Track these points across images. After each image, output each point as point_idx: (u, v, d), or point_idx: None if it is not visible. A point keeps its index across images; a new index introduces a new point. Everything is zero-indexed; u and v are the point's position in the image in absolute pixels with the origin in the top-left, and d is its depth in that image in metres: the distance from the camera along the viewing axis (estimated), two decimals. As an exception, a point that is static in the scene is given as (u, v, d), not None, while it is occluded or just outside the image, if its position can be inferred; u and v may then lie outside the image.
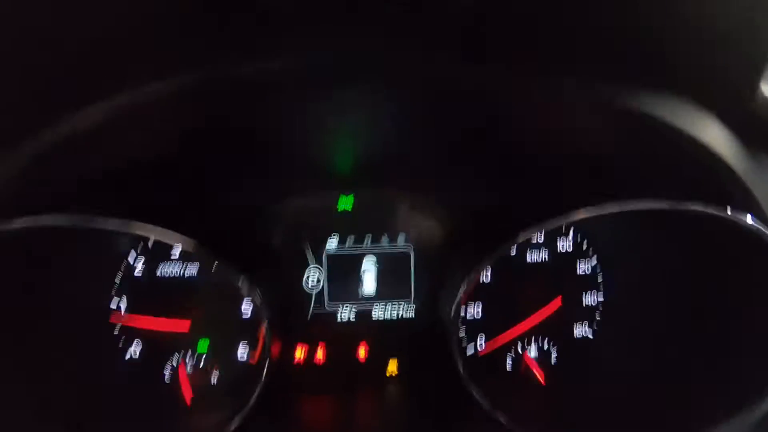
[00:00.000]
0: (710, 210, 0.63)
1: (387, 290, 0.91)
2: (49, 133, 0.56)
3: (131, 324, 0.86)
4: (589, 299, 0.91)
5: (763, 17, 0.49)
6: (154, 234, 0.67)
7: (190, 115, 0.61)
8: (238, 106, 0.60)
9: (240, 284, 0.70)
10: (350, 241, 0.90)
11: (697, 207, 0.63)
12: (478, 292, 0.85)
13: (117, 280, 0.85)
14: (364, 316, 0.92)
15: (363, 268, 0.91)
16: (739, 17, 0.49)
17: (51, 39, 0.49)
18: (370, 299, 0.92)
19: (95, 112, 0.55)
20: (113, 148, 0.63)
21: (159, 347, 0.87)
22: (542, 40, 0.52)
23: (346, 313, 0.92)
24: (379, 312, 0.92)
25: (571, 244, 0.89)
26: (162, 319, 0.84)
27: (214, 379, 0.88)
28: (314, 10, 0.48)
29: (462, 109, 0.64)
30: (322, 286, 0.91)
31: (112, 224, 0.64)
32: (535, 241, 0.88)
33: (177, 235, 0.67)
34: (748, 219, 0.62)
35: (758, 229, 0.62)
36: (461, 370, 0.74)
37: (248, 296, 0.72)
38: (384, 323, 0.92)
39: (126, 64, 0.52)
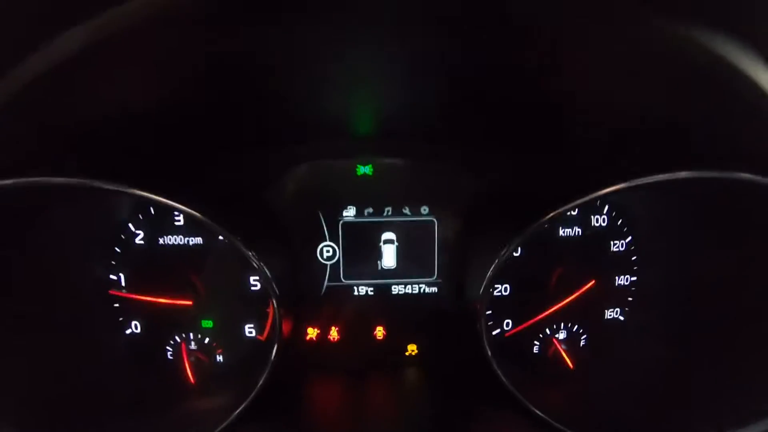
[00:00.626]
0: (758, 178, 0.59)
1: (408, 265, 0.88)
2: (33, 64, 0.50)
3: (132, 296, 0.83)
4: (622, 280, 0.87)
5: None
6: (154, 197, 0.63)
7: (203, 65, 0.56)
8: (251, 58, 0.55)
9: (247, 255, 0.67)
10: (369, 211, 0.86)
11: (745, 175, 0.59)
12: (506, 271, 0.82)
13: (117, 249, 0.82)
14: (383, 291, 0.89)
15: (383, 239, 0.87)
16: None
17: None
18: (390, 274, 0.89)
19: (91, 50, 0.48)
20: (113, 98, 0.58)
21: (161, 322, 0.84)
22: None
23: (363, 287, 0.89)
24: (399, 288, 0.89)
25: (606, 219, 0.85)
26: (164, 293, 0.81)
27: (220, 357, 0.86)
28: None
29: (497, 66, 0.59)
30: (338, 258, 0.87)
31: (110, 186, 0.60)
32: (569, 215, 0.84)
33: (177, 205, 0.64)
34: None
35: None
36: (488, 351, 0.71)
37: (256, 268, 0.68)
38: (404, 300, 0.89)
39: None
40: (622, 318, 0.89)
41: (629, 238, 0.86)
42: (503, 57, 0.57)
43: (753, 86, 0.51)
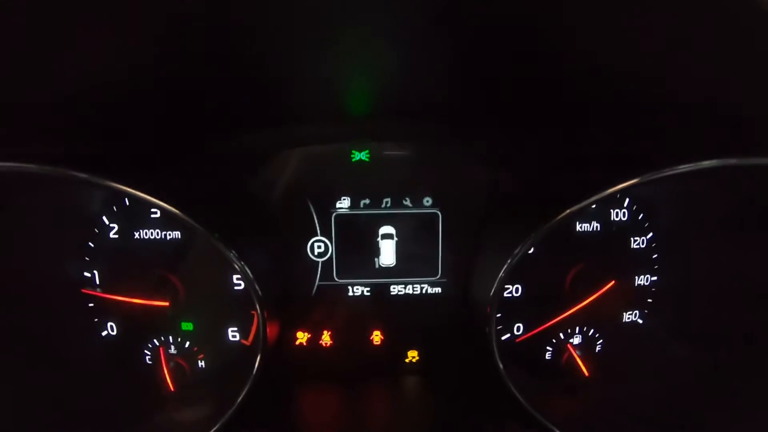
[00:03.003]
0: None
1: (409, 263, 0.85)
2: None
3: (106, 296, 0.80)
4: (641, 280, 0.84)
5: None
6: (125, 188, 0.60)
7: (178, 29, 0.52)
8: (229, 20, 0.51)
9: (226, 254, 0.64)
10: (365, 202, 0.82)
11: None
12: (518, 270, 0.77)
13: (91, 244, 0.79)
14: (380, 291, 0.86)
15: (380, 233, 0.84)
16: None
17: None
18: (388, 273, 0.86)
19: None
20: (83, 70, 0.55)
21: (139, 324, 0.82)
22: None
23: (358, 288, 0.86)
24: (398, 288, 0.86)
25: (626, 213, 0.81)
26: (140, 292, 0.79)
27: (202, 362, 0.82)
28: None
29: (507, 35, 0.54)
30: (330, 255, 0.84)
31: (78, 174, 0.58)
32: (588, 210, 0.80)
33: (149, 197, 0.61)
34: None
35: None
36: (497, 359, 0.69)
37: (237, 266, 0.66)
38: (404, 301, 0.87)
39: None
40: (641, 321, 0.86)
41: (650, 234, 0.82)
42: (517, 45, 0.55)
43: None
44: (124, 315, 0.82)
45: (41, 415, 0.69)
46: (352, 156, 0.81)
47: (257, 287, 0.66)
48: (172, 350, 0.82)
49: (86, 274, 0.80)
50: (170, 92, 0.64)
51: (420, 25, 0.53)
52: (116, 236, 0.79)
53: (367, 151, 0.81)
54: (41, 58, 0.50)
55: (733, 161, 0.59)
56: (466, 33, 0.55)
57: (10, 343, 0.71)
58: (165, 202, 0.62)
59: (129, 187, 0.61)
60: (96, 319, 0.82)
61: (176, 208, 0.62)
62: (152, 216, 0.79)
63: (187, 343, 0.83)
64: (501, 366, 0.70)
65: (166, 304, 0.78)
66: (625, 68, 0.61)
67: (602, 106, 0.69)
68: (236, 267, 0.68)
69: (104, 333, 0.82)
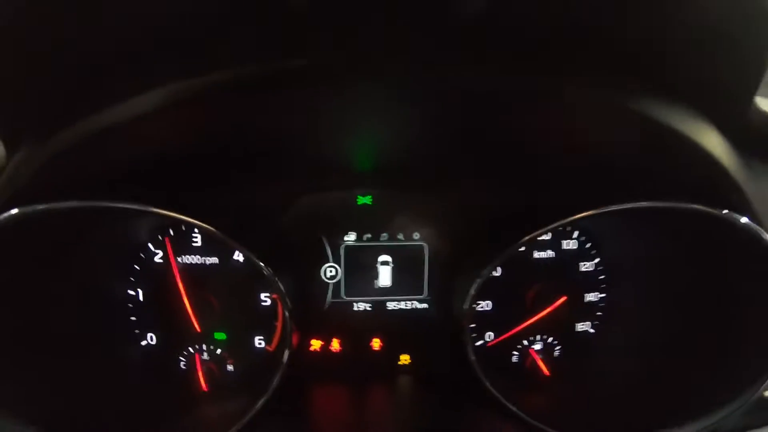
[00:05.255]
0: (708, 210, 0.66)
1: (402, 284, 0.93)
2: (80, 127, 0.58)
3: (148, 312, 0.88)
4: (591, 297, 0.95)
5: (754, 41, 0.52)
6: (183, 218, 0.68)
7: (215, 114, 0.62)
8: (262, 107, 0.62)
9: (264, 272, 0.72)
10: (367, 236, 0.92)
11: (697, 206, 0.67)
12: (487, 289, 0.87)
13: (137, 267, 0.87)
14: (379, 307, 0.94)
15: (380, 261, 0.92)
16: (732, 39, 0.52)
17: (83, 36, 0.50)
18: (386, 292, 0.93)
19: (124, 108, 0.57)
20: (139, 143, 0.65)
21: (176, 335, 0.88)
22: (545, 45, 0.54)
23: (362, 304, 0.94)
24: (393, 304, 0.94)
25: (576, 243, 0.92)
26: (180, 308, 0.85)
27: (231, 366, 0.91)
28: (335, 15, 0.50)
29: (473, 116, 0.67)
30: (340, 278, 0.93)
31: (133, 207, 0.67)
32: (542, 239, 0.91)
33: (200, 223, 0.69)
34: (744, 220, 0.66)
35: (753, 228, 0.65)
36: (473, 360, 0.78)
37: (270, 285, 0.72)
38: (398, 315, 0.94)
39: (153, 63, 0.54)
40: (592, 331, 0.96)
41: (597, 259, 0.93)
42: (486, 120, 0.67)
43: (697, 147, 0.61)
44: (164, 327, 0.88)
45: (89, 413, 0.74)
46: (358, 201, 0.90)
47: (288, 301, 0.73)
48: (205, 356, 0.89)
49: (131, 292, 0.87)
50: (215, 156, 0.73)
51: (409, 116, 0.67)
52: (160, 261, 0.86)
53: (369, 197, 0.90)
54: (122, 136, 0.59)
55: (664, 204, 0.68)
56: (445, 122, 0.68)
57: (64, 348, 0.76)
58: (215, 229, 0.70)
59: (189, 217, 0.68)
60: (137, 331, 0.88)
61: (224, 234, 0.70)
62: (193, 244, 0.86)
63: (219, 350, 0.89)
64: (476, 366, 0.77)
65: (204, 318, 0.86)
66: (571, 150, 0.73)
67: (553, 169, 0.81)
68: (268, 284, 0.74)
69: (144, 343, 0.88)
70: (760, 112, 0.64)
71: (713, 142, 0.63)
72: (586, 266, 0.93)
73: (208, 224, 0.69)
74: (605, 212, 0.69)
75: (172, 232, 0.86)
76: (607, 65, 0.55)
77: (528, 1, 0.48)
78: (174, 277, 0.85)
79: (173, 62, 0.54)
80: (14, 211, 0.61)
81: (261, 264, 0.71)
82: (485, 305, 0.91)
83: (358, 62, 0.55)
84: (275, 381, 0.74)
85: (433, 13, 0.49)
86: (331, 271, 0.93)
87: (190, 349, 0.89)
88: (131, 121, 0.56)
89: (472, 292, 0.76)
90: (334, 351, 0.94)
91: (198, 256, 0.87)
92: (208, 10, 0.49)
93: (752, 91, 0.60)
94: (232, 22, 0.50)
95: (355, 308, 0.94)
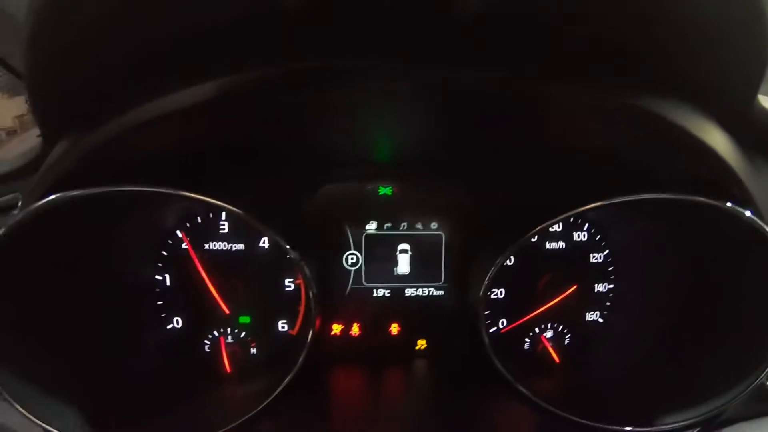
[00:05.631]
0: (713, 202, 0.68)
1: (420, 272, 0.96)
2: (117, 121, 0.59)
3: (175, 296, 0.90)
4: (600, 287, 0.96)
5: (755, 37, 0.53)
6: (208, 200, 0.69)
7: (248, 110, 0.65)
8: (290, 104, 0.64)
9: (291, 256, 0.74)
10: (387, 225, 0.94)
11: (701, 199, 0.69)
12: (501, 277, 0.90)
13: (165, 253, 0.89)
14: (398, 293, 0.96)
15: (399, 249, 0.95)
16: (734, 36, 0.53)
17: (142, 30, 0.52)
18: (404, 279, 0.96)
19: (163, 103, 0.58)
20: (176, 136, 0.67)
21: (202, 319, 0.90)
22: (550, 45, 0.55)
23: (381, 290, 0.96)
24: (411, 291, 0.97)
25: (586, 235, 0.95)
26: (206, 293, 0.87)
27: (254, 350, 0.94)
28: (354, 18, 0.51)
29: (486, 113, 0.68)
30: (360, 265, 0.96)
31: (168, 191, 0.68)
32: (554, 231, 0.94)
33: (231, 208, 0.71)
34: (747, 213, 0.68)
35: (755, 221, 0.68)
36: (487, 345, 0.80)
37: (296, 269, 0.74)
38: (416, 301, 0.97)
39: (192, 61, 0.56)
40: (601, 320, 0.98)
41: (607, 251, 0.96)
42: (498, 117, 0.69)
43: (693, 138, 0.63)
44: (190, 311, 0.90)
45: (118, 393, 0.76)
46: (379, 191, 0.94)
47: (313, 285, 0.75)
48: (230, 340, 0.91)
49: (158, 277, 0.89)
50: (246, 148, 0.76)
51: (429, 112, 0.69)
52: (186, 247, 0.87)
53: (390, 188, 0.93)
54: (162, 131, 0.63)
55: (669, 195, 0.69)
56: (458, 113, 0.70)
57: (92, 328, 0.78)
58: (259, 222, 0.71)
59: (222, 202, 0.69)
60: (163, 315, 0.90)
61: (256, 219, 0.71)
62: (220, 231, 0.88)
63: (243, 334, 0.91)
64: (490, 350, 0.79)
65: (229, 302, 0.87)
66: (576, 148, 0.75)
67: (565, 163, 0.82)
68: (293, 269, 0.76)
69: (169, 326, 0.91)
70: (761, 110, 0.66)
71: (717, 139, 0.65)
72: (595, 257, 0.96)
73: (239, 209, 0.71)
74: (613, 204, 0.71)
75: (199, 220, 0.89)
76: (612, 64, 0.57)
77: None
78: (200, 262, 0.87)
79: (209, 61, 0.57)
80: (53, 196, 0.62)
81: (288, 248, 0.73)
82: (499, 293, 0.94)
83: (377, 64, 0.58)
84: (299, 362, 0.76)
85: (448, 12, 0.50)
86: (352, 259, 0.96)
87: (215, 332, 0.92)
88: (169, 115, 0.58)
89: (487, 280, 0.78)
90: (354, 335, 0.97)
91: (225, 243, 0.89)
92: (242, 13, 0.51)
93: (754, 88, 0.61)
94: (263, 24, 0.52)
95: (375, 294, 0.97)
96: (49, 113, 0.61)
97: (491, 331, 0.94)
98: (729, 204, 0.68)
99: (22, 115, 1.58)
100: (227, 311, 0.88)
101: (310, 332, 0.76)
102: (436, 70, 0.58)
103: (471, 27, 0.52)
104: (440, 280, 0.97)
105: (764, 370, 0.72)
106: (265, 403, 0.73)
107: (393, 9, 0.49)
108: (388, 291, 0.97)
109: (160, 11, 0.50)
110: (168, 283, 0.90)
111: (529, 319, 0.92)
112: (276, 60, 0.56)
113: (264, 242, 0.92)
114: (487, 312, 0.92)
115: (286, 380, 0.75)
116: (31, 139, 0.75)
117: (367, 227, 0.94)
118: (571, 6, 0.50)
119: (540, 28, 0.53)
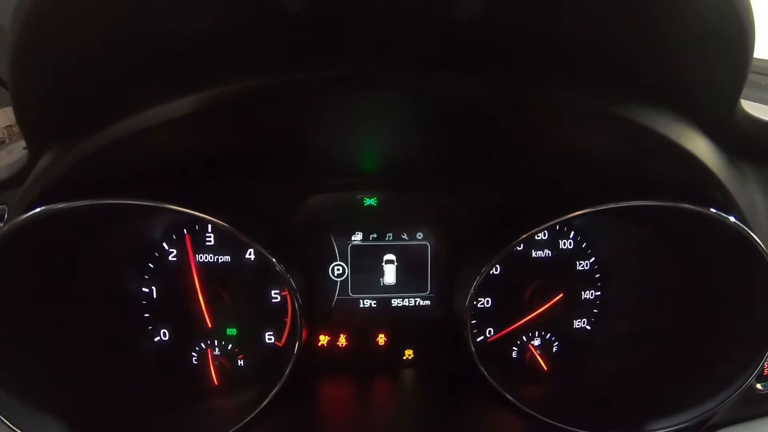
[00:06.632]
0: (697, 208, 0.69)
1: (406, 282, 0.96)
2: (103, 135, 0.60)
3: (162, 308, 0.90)
4: (587, 294, 0.97)
5: (736, 44, 0.53)
6: (195, 213, 0.70)
7: (232, 122, 0.65)
8: (275, 115, 0.64)
9: (276, 268, 0.74)
10: (373, 236, 0.95)
11: (686, 205, 0.69)
12: (488, 286, 0.91)
13: (151, 265, 0.89)
14: (384, 303, 0.97)
15: (385, 260, 0.95)
16: (715, 44, 0.54)
17: (127, 42, 0.52)
18: (390, 289, 0.96)
19: (148, 115, 0.58)
20: (160, 148, 0.67)
21: (189, 331, 0.90)
22: (535, 53, 0.56)
23: (368, 300, 0.97)
24: (398, 301, 0.97)
25: (572, 243, 0.96)
26: (193, 305, 0.87)
27: (241, 361, 0.93)
28: (341, 27, 0.52)
29: (473, 121, 0.69)
30: (347, 276, 0.96)
31: (153, 204, 0.68)
32: (540, 239, 0.94)
33: (217, 220, 0.71)
34: (732, 219, 0.68)
35: (740, 226, 0.68)
36: (474, 355, 0.80)
37: (282, 281, 0.73)
38: (402, 311, 0.97)
39: (175, 73, 0.57)
40: (589, 327, 0.98)
41: (593, 258, 0.96)
42: (483, 126, 0.70)
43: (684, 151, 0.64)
44: (177, 323, 0.89)
45: (105, 405, 0.75)
46: (364, 201, 0.94)
47: (299, 297, 0.75)
48: (217, 352, 0.90)
49: (145, 289, 0.88)
50: (230, 158, 0.76)
51: (414, 122, 0.70)
52: (174, 259, 0.88)
53: (375, 198, 0.93)
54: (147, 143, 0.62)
55: (655, 202, 0.70)
56: (443, 122, 0.71)
57: (79, 341, 0.77)
58: (244, 235, 0.71)
59: (208, 215, 0.70)
60: (150, 327, 0.89)
61: (240, 232, 0.71)
62: (206, 243, 0.88)
63: (230, 346, 0.91)
64: (477, 360, 0.79)
65: (216, 314, 0.87)
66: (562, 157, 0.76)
67: (550, 171, 0.84)
68: (279, 281, 0.75)
69: (156, 339, 0.90)
70: (744, 115, 0.67)
71: (699, 145, 0.65)
72: (582, 265, 0.96)
73: (224, 222, 0.71)
74: (599, 211, 0.71)
75: (185, 232, 0.88)
76: (594, 72, 0.58)
77: (521, 9, 0.50)
78: (189, 274, 0.87)
79: (195, 72, 0.57)
80: (38, 209, 0.62)
81: (273, 260, 0.73)
82: (485, 302, 0.94)
83: (364, 74, 0.58)
84: (286, 373, 0.76)
85: (435, 20, 0.50)
86: (338, 270, 0.96)
87: (202, 344, 0.91)
88: (154, 127, 0.59)
89: (473, 289, 0.78)
90: (341, 346, 0.97)
91: (211, 255, 0.89)
92: (228, 25, 0.52)
93: (735, 95, 0.62)
94: (249, 36, 0.53)
95: (361, 305, 0.97)
96: (34, 126, 0.62)
97: (478, 340, 0.94)
98: (713, 210, 0.69)
99: (10, 126, 1.57)
100: (211, 324, 0.88)
101: (297, 344, 0.77)
102: (424, 78, 0.59)
103: (458, 36, 0.53)
104: (426, 290, 0.97)
105: (753, 373, 0.72)
106: (252, 415, 0.73)
107: (380, 18, 0.50)
108: (375, 302, 0.97)
109: (144, 24, 0.50)
110: (155, 295, 0.89)
111: (516, 327, 0.92)
112: (261, 72, 0.57)
113: (250, 254, 0.92)
114: (473, 321, 0.92)
115: (273, 392, 0.75)
116: (18, 150, 0.76)
117: (353, 238, 0.94)
118: (558, 18, 0.51)
119: (525, 38, 0.54)
